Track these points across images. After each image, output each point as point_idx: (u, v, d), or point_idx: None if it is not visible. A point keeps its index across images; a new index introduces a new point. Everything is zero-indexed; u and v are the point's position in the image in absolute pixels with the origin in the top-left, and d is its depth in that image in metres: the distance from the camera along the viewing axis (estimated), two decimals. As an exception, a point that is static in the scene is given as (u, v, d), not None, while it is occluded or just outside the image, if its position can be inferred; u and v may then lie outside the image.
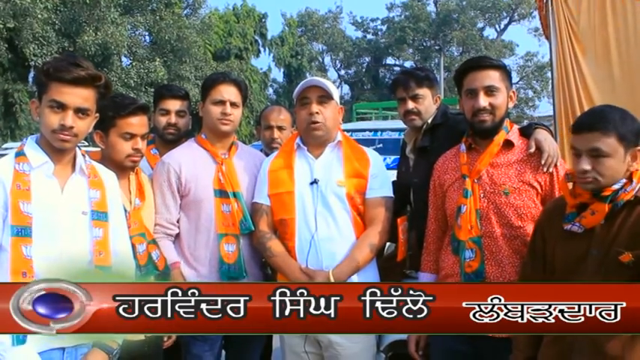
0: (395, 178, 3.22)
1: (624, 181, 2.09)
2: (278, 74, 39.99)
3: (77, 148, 2.25)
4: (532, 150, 2.57)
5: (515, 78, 36.17)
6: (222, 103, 2.95)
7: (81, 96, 2.11)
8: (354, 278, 2.77)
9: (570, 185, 2.21)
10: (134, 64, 21.76)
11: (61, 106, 2.09)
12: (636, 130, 2.09)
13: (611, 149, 2.05)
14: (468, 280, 2.55)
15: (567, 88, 4.30)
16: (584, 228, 2.13)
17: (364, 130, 9.15)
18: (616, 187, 2.08)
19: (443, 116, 3.10)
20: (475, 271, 2.54)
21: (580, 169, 2.09)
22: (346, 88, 42.75)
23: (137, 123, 2.68)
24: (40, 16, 18.76)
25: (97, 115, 2.25)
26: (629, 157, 2.09)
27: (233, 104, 2.98)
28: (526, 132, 2.68)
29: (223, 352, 3.19)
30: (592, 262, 2.09)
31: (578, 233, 2.14)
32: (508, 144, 2.62)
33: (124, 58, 22.33)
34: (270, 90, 39.40)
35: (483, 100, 2.55)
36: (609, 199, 2.08)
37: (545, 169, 2.54)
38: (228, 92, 2.97)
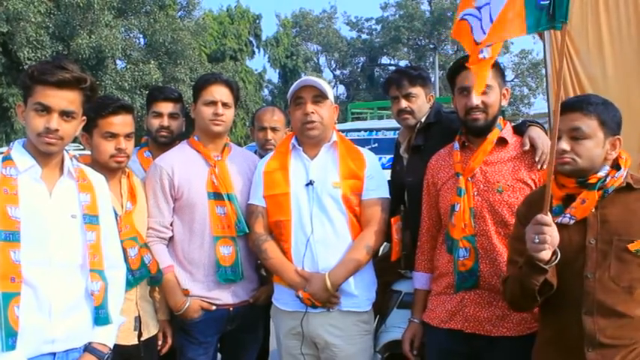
0: (389, 178, 3.20)
1: (608, 168, 2.10)
2: (273, 75, 39.99)
3: (65, 152, 2.23)
4: (526, 147, 2.56)
5: (510, 75, 36.25)
6: (213, 103, 2.93)
7: (66, 98, 2.09)
8: (351, 280, 2.75)
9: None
10: (129, 66, 21.65)
11: (46, 109, 2.07)
12: (617, 120, 2.12)
13: (591, 131, 2.07)
14: (461, 278, 2.54)
15: (562, 87, 4.29)
16: (575, 218, 2.11)
17: (359, 130, 9.10)
18: (601, 174, 2.09)
19: (436, 115, 3.09)
20: (469, 269, 2.52)
21: (559, 149, 2.09)
22: (341, 88, 42.78)
23: (118, 122, 2.66)
24: (33, 19, 18.66)
25: (84, 118, 2.23)
26: (609, 145, 2.10)
27: (225, 105, 2.96)
28: (520, 129, 2.67)
29: (219, 355, 3.17)
30: (592, 253, 2.08)
31: (567, 226, 2.12)
32: (502, 142, 2.61)
33: (118, 61, 22.19)
34: (266, 91, 39.42)
35: (476, 98, 2.54)
36: (597, 186, 2.08)
37: (538, 167, 2.52)
38: (220, 93, 2.95)
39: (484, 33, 2.25)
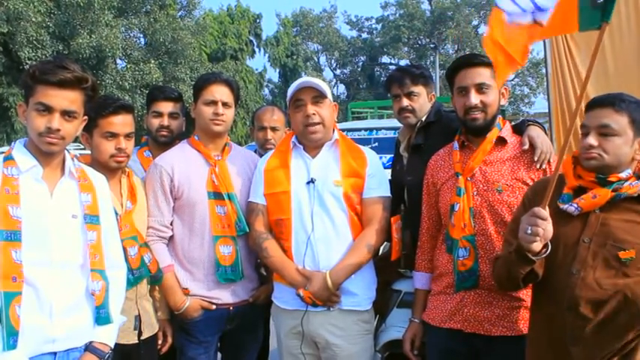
0: (390, 177, 3.20)
1: (630, 172, 2.08)
2: (273, 74, 40.05)
3: (66, 152, 2.23)
4: (526, 147, 2.56)
5: (510, 75, 36.27)
6: (213, 103, 2.93)
7: (67, 98, 2.09)
8: (352, 279, 2.75)
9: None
10: (129, 66, 21.65)
11: (48, 109, 2.07)
12: None
13: (621, 128, 2.04)
14: (461, 278, 2.54)
15: (562, 85, 4.29)
16: (580, 210, 2.10)
17: (359, 130, 9.09)
18: (623, 175, 2.07)
19: (436, 114, 3.08)
20: (469, 269, 2.52)
21: (586, 144, 2.07)
22: (342, 87, 42.79)
23: (119, 122, 2.66)
24: (33, 19, 18.66)
25: (86, 117, 2.23)
26: (637, 145, 2.07)
27: (225, 104, 2.96)
28: (519, 129, 2.67)
29: (219, 355, 3.18)
30: (584, 251, 2.08)
31: (569, 217, 2.12)
32: (501, 141, 2.61)
33: (118, 61, 22.18)
34: (266, 90, 39.43)
35: (475, 98, 2.54)
36: (613, 186, 2.06)
37: (538, 166, 2.53)
38: (220, 92, 2.94)
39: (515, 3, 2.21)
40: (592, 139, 2.06)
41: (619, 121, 2.04)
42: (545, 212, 1.98)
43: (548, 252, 2.03)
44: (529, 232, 1.98)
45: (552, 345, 2.12)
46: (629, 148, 2.06)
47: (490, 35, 2.21)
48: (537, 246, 1.99)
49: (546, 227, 1.98)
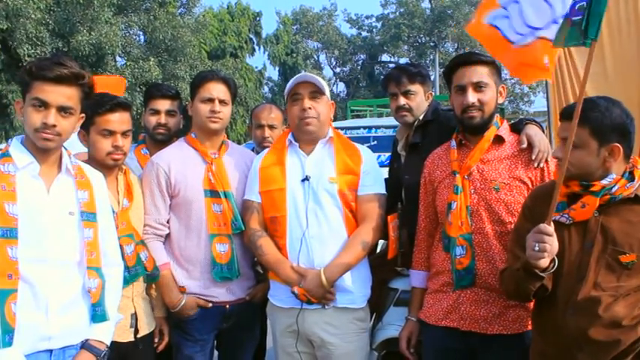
0: (387, 176, 3.20)
1: (614, 176, 2.07)
2: (273, 72, 39.99)
3: (63, 149, 2.23)
4: (524, 145, 2.56)
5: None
6: (210, 100, 2.93)
7: (64, 94, 2.09)
8: (346, 276, 2.75)
9: None
10: (129, 64, 21.62)
11: (44, 104, 2.07)
12: (617, 126, 2.05)
13: (580, 141, 2.05)
14: (458, 276, 2.54)
15: (561, 84, 4.29)
16: (572, 220, 2.11)
17: (359, 128, 9.10)
18: (604, 182, 2.07)
19: (434, 113, 3.09)
20: (466, 267, 2.52)
21: (557, 156, 2.10)
22: (341, 85, 42.69)
23: (115, 120, 2.66)
24: (33, 16, 18.63)
25: (83, 115, 2.23)
26: (606, 152, 2.06)
27: (222, 102, 2.96)
28: (517, 127, 2.67)
29: (216, 352, 3.18)
30: (586, 256, 2.08)
31: (569, 224, 2.12)
32: (498, 140, 2.61)
33: (118, 58, 22.16)
34: (266, 88, 39.39)
35: (472, 96, 2.53)
36: (600, 194, 2.06)
37: (535, 165, 2.53)
38: (217, 90, 2.94)
39: (516, 32, 2.22)
40: (559, 152, 2.09)
41: (579, 134, 2.03)
42: (550, 228, 2.00)
43: (555, 267, 2.04)
44: (537, 249, 1.99)
45: (558, 352, 2.12)
46: (594, 158, 2.07)
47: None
48: (545, 262, 2.01)
49: (553, 243, 2.00)
